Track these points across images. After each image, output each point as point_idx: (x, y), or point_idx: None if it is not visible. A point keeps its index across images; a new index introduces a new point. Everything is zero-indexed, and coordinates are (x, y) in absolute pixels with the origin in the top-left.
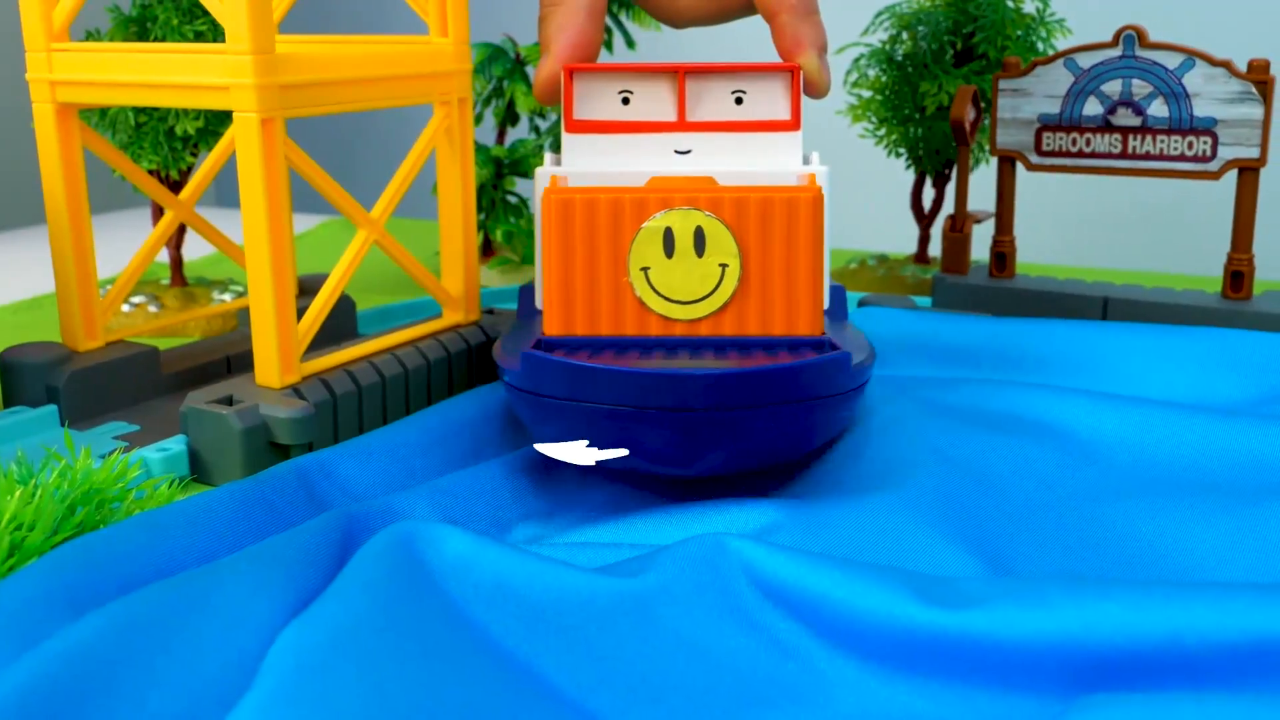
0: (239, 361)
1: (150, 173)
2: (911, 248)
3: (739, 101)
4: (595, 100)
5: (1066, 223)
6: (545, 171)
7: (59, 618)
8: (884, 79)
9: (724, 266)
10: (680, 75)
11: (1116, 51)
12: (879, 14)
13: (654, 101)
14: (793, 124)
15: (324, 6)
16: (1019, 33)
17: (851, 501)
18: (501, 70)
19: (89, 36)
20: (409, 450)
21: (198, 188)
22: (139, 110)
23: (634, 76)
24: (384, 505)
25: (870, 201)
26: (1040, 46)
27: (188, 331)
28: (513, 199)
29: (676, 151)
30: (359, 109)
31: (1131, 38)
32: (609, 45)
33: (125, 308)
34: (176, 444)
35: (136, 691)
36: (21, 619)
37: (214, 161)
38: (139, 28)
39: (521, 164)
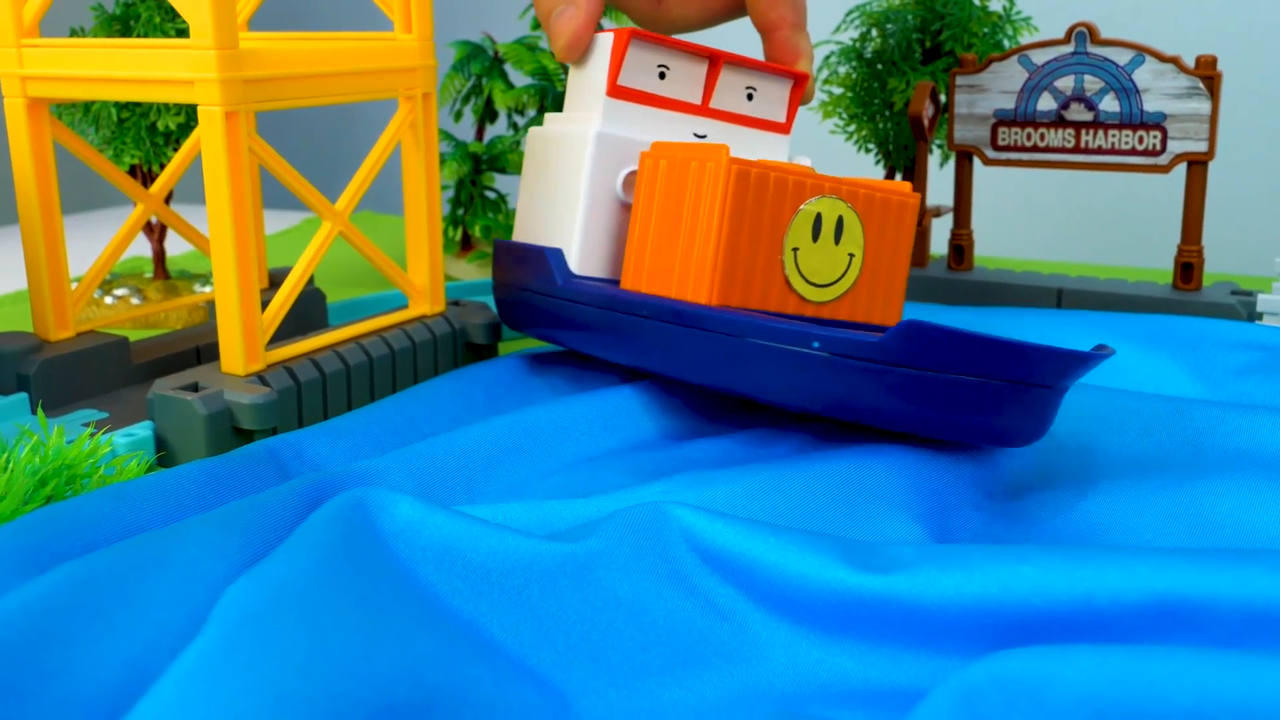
0: (209, 352)
1: (132, 167)
2: None
3: (750, 96)
4: (635, 70)
5: (1023, 216)
6: (572, 131)
7: (22, 574)
8: (854, 76)
9: (851, 256)
10: (719, 62)
11: (1069, 48)
12: (849, 12)
13: (685, 81)
14: (786, 127)
15: (294, 5)
16: (985, 30)
17: (802, 470)
18: (480, 68)
19: (73, 33)
20: (381, 429)
21: (168, 181)
22: (121, 106)
23: (673, 53)
24: (352, 472)
25: None
26: (1006, 44)
27: (168, 323)
28: (491, 194)
29: (695, 134)
30: (323, 103)
31: (1083, 35)
32: None
33: (108, 300)
34: (143, 429)
35: (93, 640)
36: None
37: (185, 156)
38: (122, 25)
39: (499, 160)
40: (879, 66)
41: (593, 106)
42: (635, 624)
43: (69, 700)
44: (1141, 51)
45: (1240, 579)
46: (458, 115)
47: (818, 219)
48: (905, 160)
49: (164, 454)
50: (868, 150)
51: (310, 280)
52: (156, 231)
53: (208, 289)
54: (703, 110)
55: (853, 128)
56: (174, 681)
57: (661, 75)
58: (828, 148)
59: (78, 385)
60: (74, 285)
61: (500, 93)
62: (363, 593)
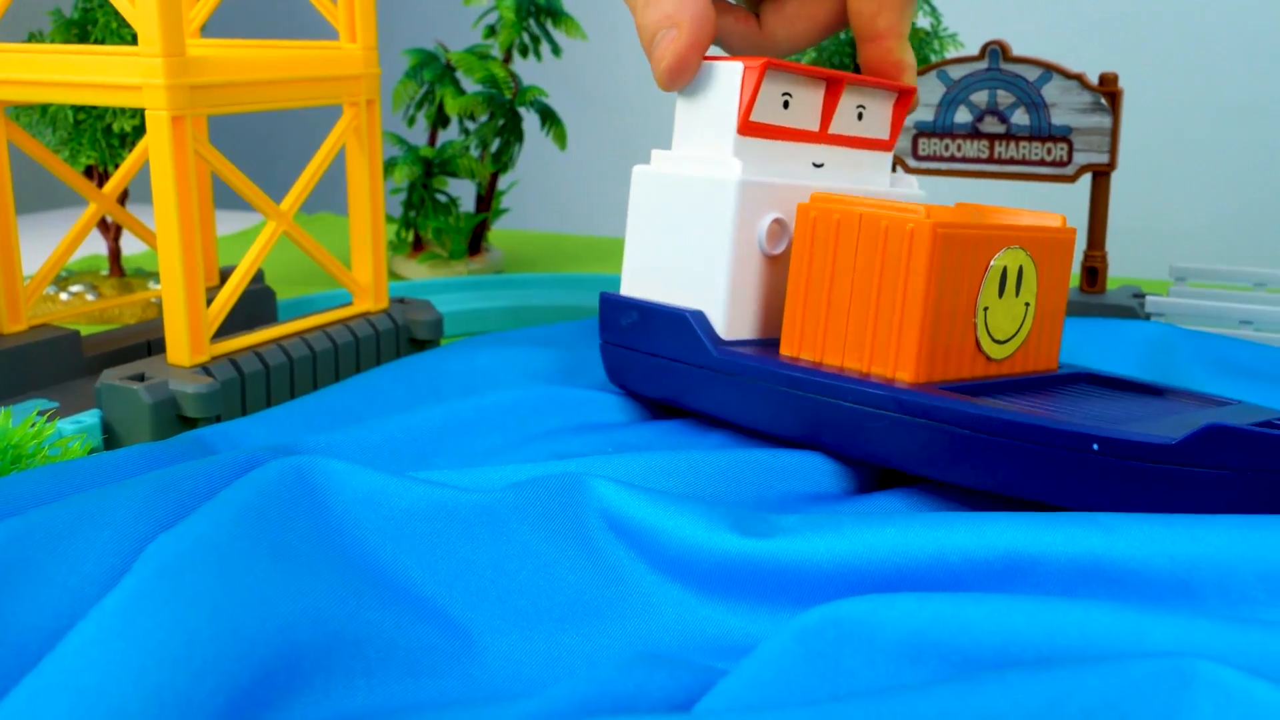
0: (159, 346)
1: (88, 168)
2: None
3: (859, 116)
4: (764, 103)
5: None
6: (702, 176)
7: None
8: None
9: (1027, 305)
10: (839, 84)
11: (983, 65)
12: None
13: (806, 108)
14: (890, 144)
15: (246, 14)
16: (913, 46)
17: (724, 454)
18: (432, 75)
19: (31, 38)
20: (320, 421)
21: (121, 181)
22: (78, 109)
23: (797, 79)
24: (292, 445)
25: None
26: (933, 59)
27: (122, 319)
28: (442, 198)
29: (814, 164)
30: (269, 109)
31: (996, 52)
32: (537, 54)
33: (64, 296)
34: (90, 417)
35: (28, 589)
36: None
37: (138, 157)
38: (80, 30)
39: (450, 164)
40: None
41: (720, 146)
42: (540, 575)
43: (2, 643)
44: (1049, 69)
45: (1072, 537)
46: (410, 120)
47: (1004, 273)
48: None
49: (110, 439)
50: None
51: (261, 278)
52: (112, 230)
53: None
54: (820, 137)
55: None
56: (93, 622)
57: (785, 105)
58: None
59: (30, 376)
60: (27, 282)
61: (451, 99)
62: (276, 543)
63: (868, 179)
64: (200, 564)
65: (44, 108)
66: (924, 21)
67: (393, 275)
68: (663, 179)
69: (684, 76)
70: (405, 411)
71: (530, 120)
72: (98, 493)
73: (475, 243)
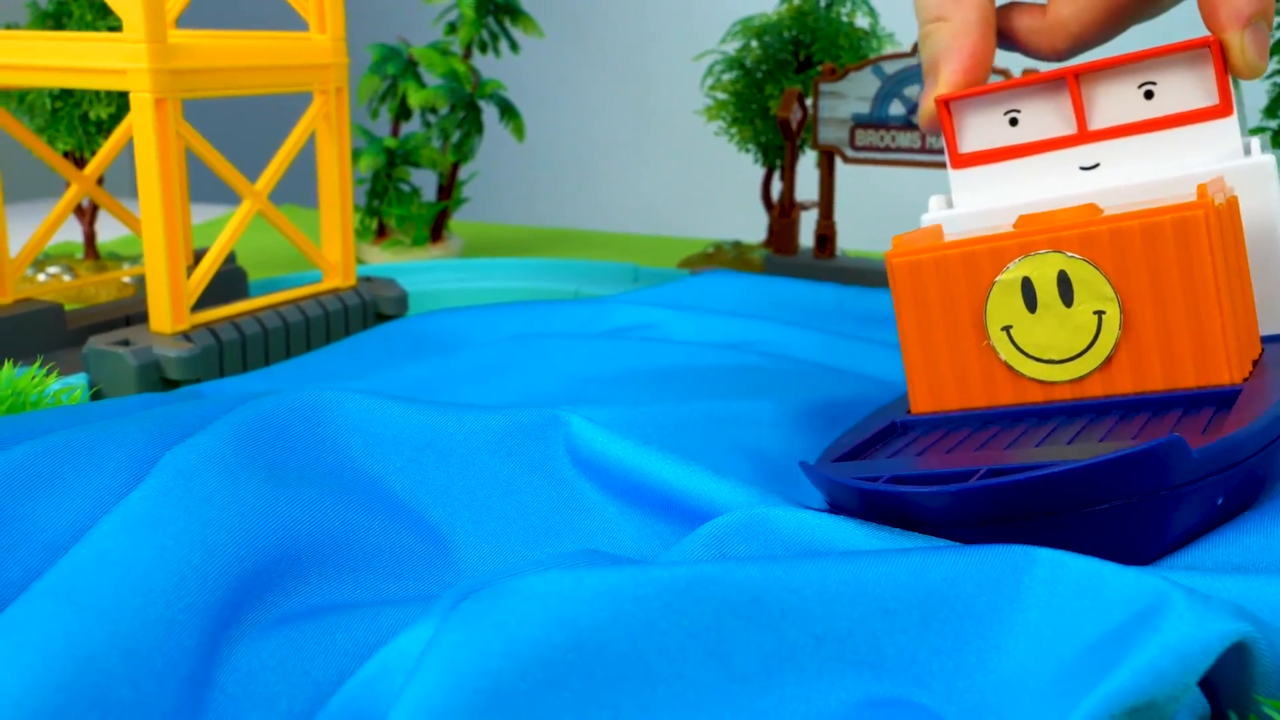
0: (138, 320)
1: (65, 154)
2: (762, 234)
3: (1149, 96)
4: (981, 128)
5: (881, 210)
6: (931, 218)
7: None
8: (737, 84)
9: (1100, 314)
10: (1071, 79)
11: (915, 60)
12: (733, 25)
13: (1048, 115)
14: (1222, 108)
15: (222, 6)
16: (852, 43)
17: (688, 411)
18: (395, 69)
19: (7, 28)
20: (310, 377)
21: (100, 165)
22: (55, 95)
23: (1018, 93)
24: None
25: (726, 193)
26: (871, 56)
27: (98, 298)
28: (405, 187)
29: (1081, 168)
30: (243, 94)
31: None
32: (495, 50)
33: (41, 277)
34: (78, 380)
35: (54, 494)
36: None
37: (117, 141)
38: (54, 22)
39: (413, 154)
40: (758, 75)
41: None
42: (509, 501)
43: (33, 538)
44: None
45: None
46: (374, 113)
47: (1026, 285)
48: (783, 159)
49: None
50: (747, 150)
51: (233, 260)
52: (88, 215)
53: (139, 263)
54: (1082, 137)
55: (734, 130)
56: (119, 514)
57: (1013, 122)
58: (713, 149)
59: (16, 346)
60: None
61: (414, 93)
62: (273, 460)
63: (1184, 161)
64: (208, 472)
65: (21, 95)
66: (862, 21)
67: (357, 261)
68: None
69: (935, 125)
70: (390, 368)
71: (489, 113)
72: (112, 420)
73: (437, 230)
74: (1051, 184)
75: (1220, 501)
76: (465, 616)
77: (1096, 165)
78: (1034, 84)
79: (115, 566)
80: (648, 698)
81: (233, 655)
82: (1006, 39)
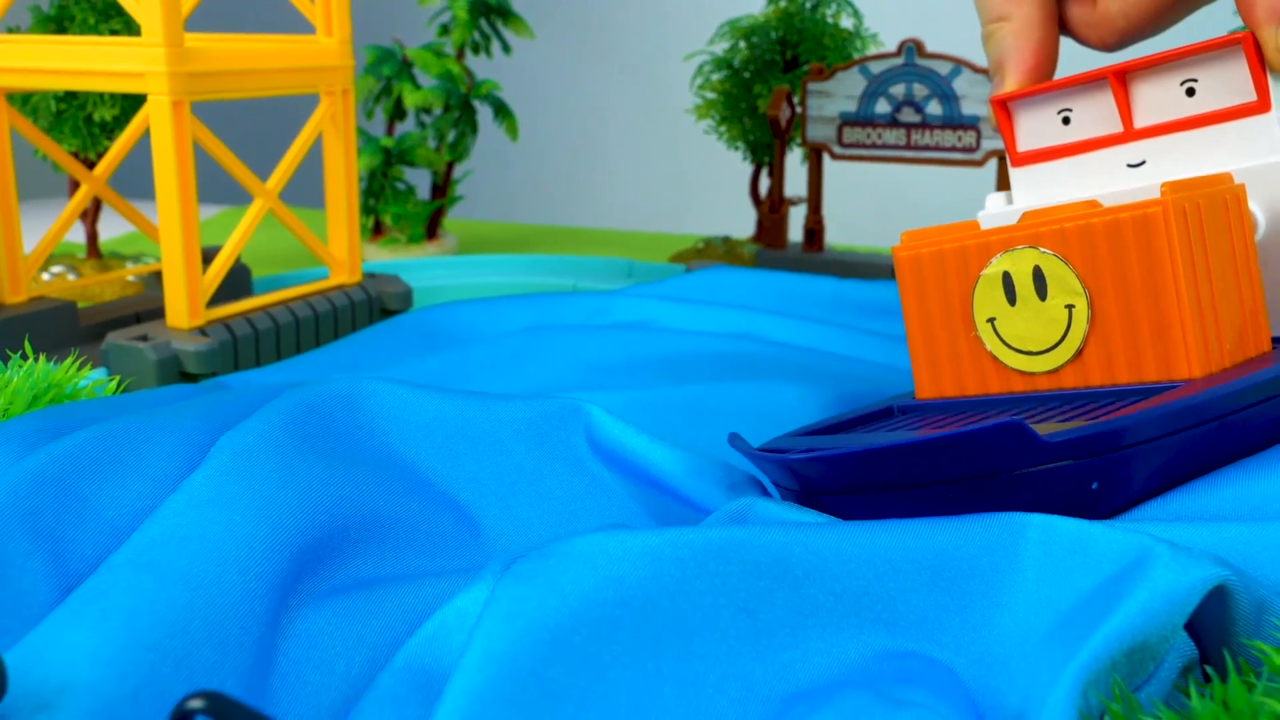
0: (148, 317)
1: (70, 155)
2: (751, 230)
3: (1190, 93)
4: (1036, 127)
5: (867, 205)
6: (990, 215)
7: (51, 437)
8: (725, 83)
9: (1070, 308)
10: (1113, 78)
11: (900, 60)
12: (721, 26)
13: (1098, 114)
14: (1260, 104)
15: (228, 9)
16: (837, 44)
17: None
18: (390, 70)
19: (9, 33)
20: (331, 368)
21: (110, 165)
22: (59, 98)
23: (1070, 91)
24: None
25: (716, 190)
26: (855, 56)
27: (103, 296)
28: (401, 186)
29: (1129, 165)
30: (254, 96)
31: (912, 49)
32: (488, 52)
33: (45, 277)
34: (98, 375)
35: (117, 476)
36: (15, 441)
37: (125, 142)
38: (57, 26)
39: (408, 154)
40: (746, 75)
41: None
42: (534, 488)
43: (99, 517)
44: (959, 64)
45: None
46: (370, 113)
47: (1006, 279)
48: (771, 157)
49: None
50: (736, 148)
51: (238, 259)
52: (90, 215)
53: (143, 262)
54: (1129, 135)
55: (723, 128)
56: (184, 493)
57: (1066, 120)
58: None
59: (32, 343)
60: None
61: (409, 93)
62: (319, 445)
63: (1226, 158)
64: (263, 453)
65: (25, 97)
66: (846, 22)
67: None
68: (983, 221)
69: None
70: (408, 359)
71: (484, 113)
72: (159, 409)
73: (432, 228)
74: (1102, 181)
75: (1095, 486)
76: (520, 575)
77: (1143, 163)
78: (1083, 83)
79: (189, 540)
80: (686, 649)
81: (293, 623)
82: (1061, 28)
